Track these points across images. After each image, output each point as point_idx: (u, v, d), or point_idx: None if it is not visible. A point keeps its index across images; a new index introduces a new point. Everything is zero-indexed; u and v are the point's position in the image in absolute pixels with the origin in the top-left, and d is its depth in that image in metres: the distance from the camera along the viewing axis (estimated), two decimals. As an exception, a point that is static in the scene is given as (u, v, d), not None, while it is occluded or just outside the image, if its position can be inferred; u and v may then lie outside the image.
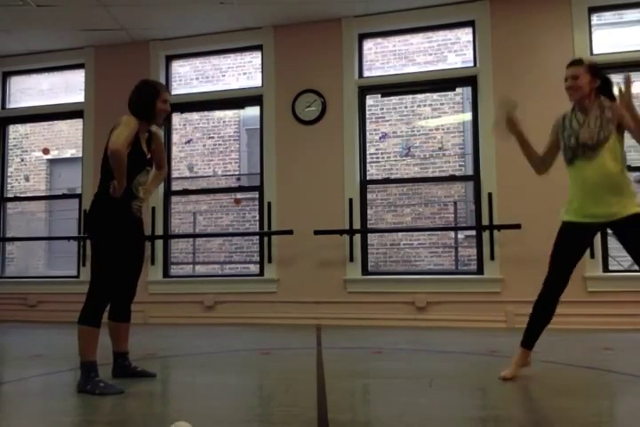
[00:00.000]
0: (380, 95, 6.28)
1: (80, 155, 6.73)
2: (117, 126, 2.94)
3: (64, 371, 3.38)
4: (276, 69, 6.04)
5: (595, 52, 5.32)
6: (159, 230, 6.16)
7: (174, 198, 6.65)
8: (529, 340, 3.07)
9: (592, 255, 4.98)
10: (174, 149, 7.07)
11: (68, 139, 9.30)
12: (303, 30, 5.96)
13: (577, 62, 3.05)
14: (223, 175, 9.21)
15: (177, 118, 7.33)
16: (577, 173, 3.02)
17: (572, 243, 3.06)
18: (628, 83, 2.80)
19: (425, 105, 8.42)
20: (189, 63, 6.70)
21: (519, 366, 3.05)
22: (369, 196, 6.00)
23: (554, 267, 3.08)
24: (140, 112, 3.09)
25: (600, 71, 3.06)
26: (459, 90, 7.42)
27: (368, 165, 6.03)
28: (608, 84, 3.07)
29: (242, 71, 7.47)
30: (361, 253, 5.71)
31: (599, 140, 2.93)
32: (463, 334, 4.77)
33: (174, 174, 6.89)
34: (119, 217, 3.00)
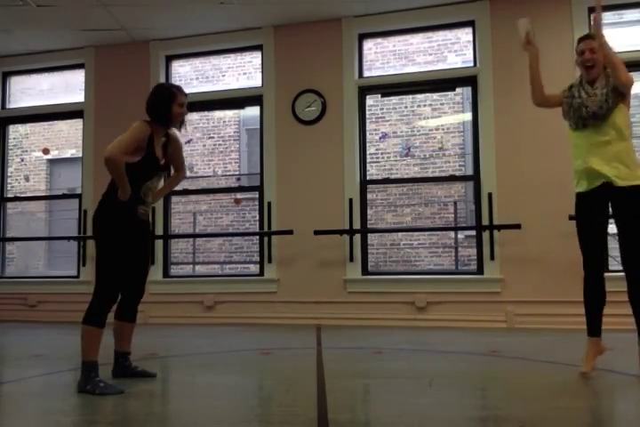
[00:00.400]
0: (380, 95, 6.28)
1: (80, 155, 6.73)
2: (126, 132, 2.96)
3: (64, 371, 3.38)
4: (276, 69, 6.04)
5: (595, 52, 5.32)
6: (159, 230, 6.16)
7: (174, 198, 6.65)
8: (593, 327, 3.12)
9: (592, 255, 4.97)
10: (174, 149, 7.05)
11: (67, 139, 9.30)
12: (303, 30, 5.96)
13: (591, 36, 3.14)
14: (223, 175, 9.21)
15: (177, 118, 7.33)
16: (586, 138, 3.10)
17: (590, 214, 3.11)
18: (595, 21, 3.00)
19: (425, 105, 8.42)
20: (189, 63, 6.70)
21: (594, 356, 3.07)
22: (369, 196, 6.00)
23: (583, 245, 3.13)
24: (156, 116, 3.06)
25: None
26: (459, 90, 7.42)
27: (368, 165, 6.03)
28: None
29: (242, 71, 7.48)
30: (361, 253, 5.71)
31: (608, 108, 3.02)
32: (463, 334, 4.77)
33: (174, 174, 6.88)
34: (123, 219, 3.00)
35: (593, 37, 3.11)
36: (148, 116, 3.08)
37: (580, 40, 3.20)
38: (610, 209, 3.10)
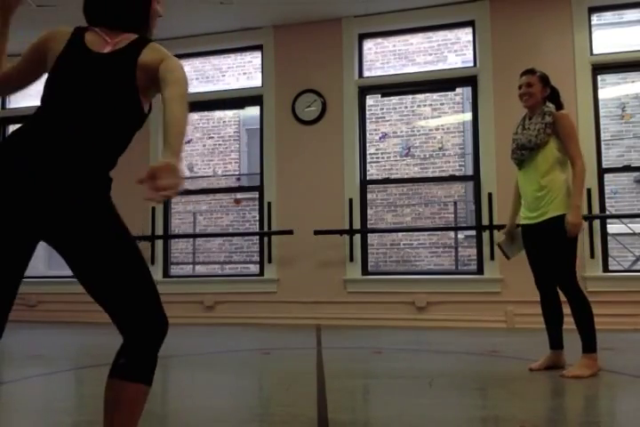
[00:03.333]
0: (380, 95, 6.28)
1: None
2: (167, 58, 1.71)
3: (64, 371, 3.39)
4: (276, 69, 6.04)
5: (595, 52, 5.32)
6: (159, 230, 6.16)
7: (174, 198, 6.65)
8: (552, 340, 3.20)
9: (592, 255, 4.98)
10: (174, 149, 7.05)
11: (67, 139, 9.29)
12: (303, 30, 5.96)
13: (530, 71, 3.31)
14: (223, 175, 9.22)
15: (177, 118, 7.33)
16: (520, 176, 3.40)
17: (527, 245, 3.35)
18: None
19: (425, 105, 8.42)
20: (189, 63, 6.70)
21: (549, 364, 3.15)
22: (369, 196, 6.00)
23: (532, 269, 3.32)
24: (133, 23, 1.77)
25: (549, 81, 3.32)
26: (459, 90, 7.42)
27: (368, 165, 6.03)
28: (556, 93, 3.33)
29: (242, 71, 7.49)
30: (361, 253, 5.71)
31: (536, 143, 3.17)
32: (463, 334, 4.77)
33: (174, 174, 6.88)
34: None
35: (532, 72, 3.29)
36: (122, 27, 1.73)
37: (521, 74, 3.35)
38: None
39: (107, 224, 1.55)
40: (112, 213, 1.57)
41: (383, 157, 8.45)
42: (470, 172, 6.25)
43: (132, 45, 1.67)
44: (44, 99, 1.63)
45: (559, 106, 3.27)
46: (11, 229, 1.46)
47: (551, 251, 3.10)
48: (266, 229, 5.90)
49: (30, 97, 7.05)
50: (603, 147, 5.38)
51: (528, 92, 3.25)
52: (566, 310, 3.10)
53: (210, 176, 9.08)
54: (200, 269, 8.95)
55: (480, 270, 5.44)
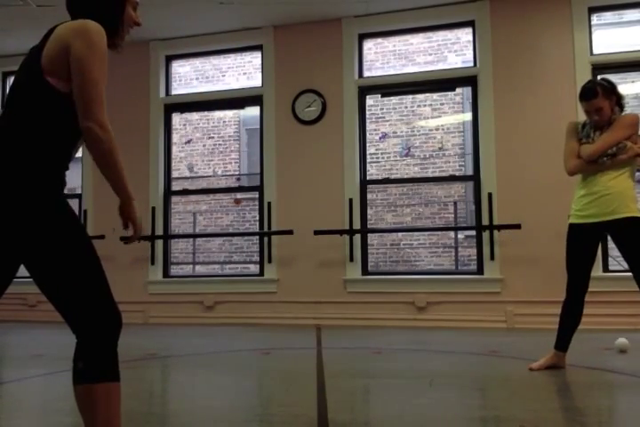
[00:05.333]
0: (380, 95, 6.28)
1: (80, 155, 6.73)
2: (84, 45, 1.52)
3: (64, 371, 3.38)
4: (276, 69, 6.04)
5: (595, 52, 5.32)
6: (159, 230, 6.16)
7: (174, 198, 6.65)
8: (561, 342, 3.18)
9: (592, 255, 4.98)
10: (174, 149, 7.06)
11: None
12: (303, 30, 5.96)
13: (593, 95, 3.10)
14: (223, 175, 9.21)
15: (177, 118, 7.34)
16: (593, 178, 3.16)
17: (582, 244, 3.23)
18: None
19: (425, 105, 8.42)
20: (189, 63, 6.71)
21: (550, 364, 3.15)
22: (369, 196, 6.00)
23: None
24: (96, 18, 1.61)
25: (612, 87, 3.16)
26: (459, 90, 7.42)
27: (368, 165, 6.03)
28: (620, 96, 3.19)
29: (242, 71, 7.49)
30: (361, 254, 5.71)
31: (614, 152, 3.07)
32: (463, 334, 4.77)
33: (174, 174, 6.88)
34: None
35: (595, 95, 3.09)
36: (82, 14, 1.65)
37: (583, 99, 3.15)
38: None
39: (49, 228, 1.52)
40: (56, 215, 1.54)
41: (383, 157, 8.45)
42: (470, 172, 6.25)
43: (47, 35, 1.60)
44: None
45: (621, 107, 3.19)
46: None
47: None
48: (266, 229, 5.90)
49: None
50: (603, 147, 5.37)
51: (601, 117, 3.12)
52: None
53: (210, 176, 9.08)
54: (200, 269, 8.95)
55: (480, 270, 5.44)
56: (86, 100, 1.50)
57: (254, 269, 6.79)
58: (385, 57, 6.58)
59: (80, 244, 1.57)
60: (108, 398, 1.52)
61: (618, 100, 3.17)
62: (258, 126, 6.26)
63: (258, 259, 6.16)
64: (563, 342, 3.17)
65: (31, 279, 1.66)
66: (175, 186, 6.62)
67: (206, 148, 9.31)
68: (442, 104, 8.45)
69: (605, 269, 5.12)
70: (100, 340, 1.55)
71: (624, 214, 3.03)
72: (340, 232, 5.57)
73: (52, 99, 1.54)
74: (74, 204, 6.56)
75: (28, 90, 1.56)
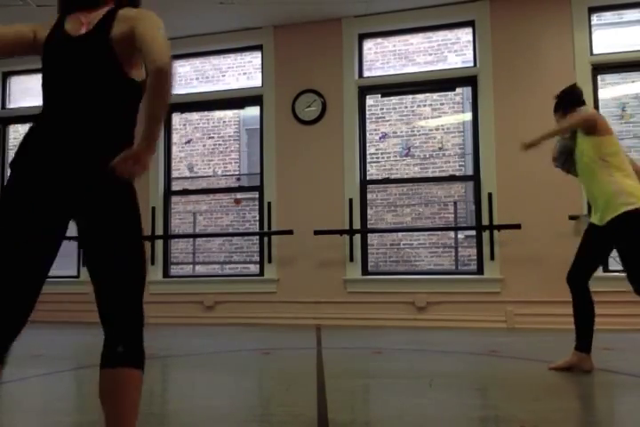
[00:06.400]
0: (380, 95, 6.28)
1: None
2: (138, 25, 1.63)
3: (64, 371, 3.38)
4: (276, 69, 6.04)
5: (595, 52, 5.33)
6: (159, 230, 6.16)
7: (174, 198, 6.65)
8: (576, 342, 3.19)
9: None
10: (174, 149, 7.06)
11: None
12: (303, 30, 5.96)
13: (554, 110, 3.58)
14: (223, 175, 9.21)
15: (177, 118, 7.34)
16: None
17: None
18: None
19: (425, 105, 8.41)
20: (189, 63, 6.70)
21: (565, 365, 3.15)
22: (369, 196, 6.00)
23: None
24: None
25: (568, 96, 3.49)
26: (459, 90, 7.41)
27: (368, 164, 6.03)
28: (574, 98, 3.51)
29: (242, 71, 7.47)
30: (361, 253, 5.71)
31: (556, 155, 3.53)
32: (463, 334, 4.77)
33: (174, 174, 6.88)
34: None
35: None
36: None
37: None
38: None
39: (125, 205, 1.61)
40: (130, 192, 1.62)
41: (383, 157, 8.44)
42: (470, 172, 6.25)
43: (103, 21, 1.65)
44: (42, 96, 1.68)
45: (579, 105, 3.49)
46: (46, 212, 1.56)
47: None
48: (266, 229, 5.90)
49: (30, 97, 7.06)
50: (603, 147, 5.37)
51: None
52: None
53: (210, 176, 9.07)
54: (200, 269, 8.94)
55: (480, 270, 5.44)
56: (160, 42, 1.60)
57: (254, 269, 6.79)
58: (385, 57, 6.56)
59: (139, 223, 1.66)
60: (137, 386, 1.56)
61: (573, 103, 3.42)
62: (258, 126, 6.26)
63: (258, 259, 6.17)
64: (579, 342, 3.16)
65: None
66: (175, 186, 6.62)
67: (206, 148, 9.30)
68: (442, 104, 8.45)
69: (605, 269, 5.12)
70: (141, 326, 1.61)
71: (609, 217, 3.12)
72: (340, 232, 5.57)
73: (128, 88, 1.65)
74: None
75: (100, 83, 1.62)
